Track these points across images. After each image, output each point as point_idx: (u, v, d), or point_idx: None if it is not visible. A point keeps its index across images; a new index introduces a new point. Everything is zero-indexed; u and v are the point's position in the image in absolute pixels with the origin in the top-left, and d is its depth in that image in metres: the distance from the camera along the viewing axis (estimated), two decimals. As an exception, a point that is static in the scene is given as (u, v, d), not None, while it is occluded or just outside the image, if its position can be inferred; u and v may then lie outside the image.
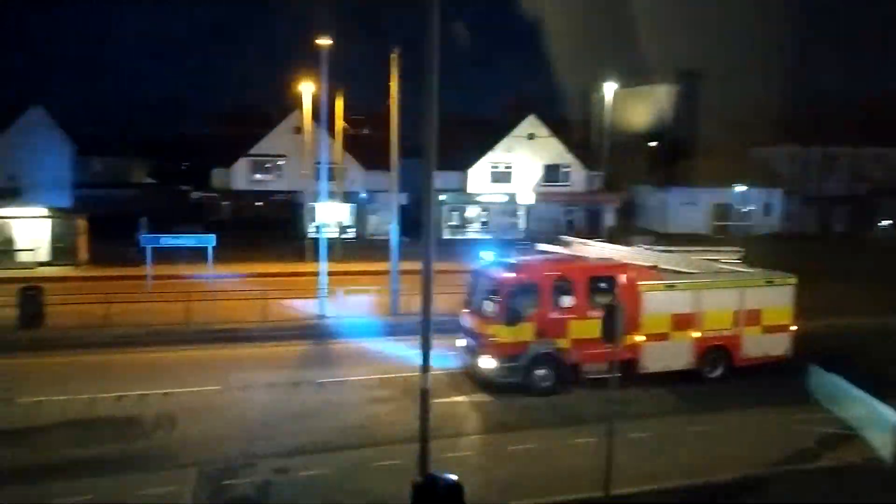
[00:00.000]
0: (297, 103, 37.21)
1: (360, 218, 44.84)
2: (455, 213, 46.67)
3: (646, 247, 19.56)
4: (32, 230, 29.89)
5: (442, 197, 44.49)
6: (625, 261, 17.33)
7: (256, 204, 44.77)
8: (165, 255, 27.03)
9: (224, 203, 45.43)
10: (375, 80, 32.13)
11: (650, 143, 51.72)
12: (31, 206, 30.76)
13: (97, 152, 54.72)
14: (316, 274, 22.77)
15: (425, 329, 11.47)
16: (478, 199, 46.46)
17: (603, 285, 15.89)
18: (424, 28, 9.66)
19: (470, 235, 45.02)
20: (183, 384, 16.01)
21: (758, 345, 16.88)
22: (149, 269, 25.58)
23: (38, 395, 15.04)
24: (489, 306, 15.91)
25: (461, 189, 45.84)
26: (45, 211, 30.49)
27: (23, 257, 29.19)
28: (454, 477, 8.99)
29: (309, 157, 36.87)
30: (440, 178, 42.81)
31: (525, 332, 15.39)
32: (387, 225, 35.28)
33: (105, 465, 11.90)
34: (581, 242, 18.58)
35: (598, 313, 15.48)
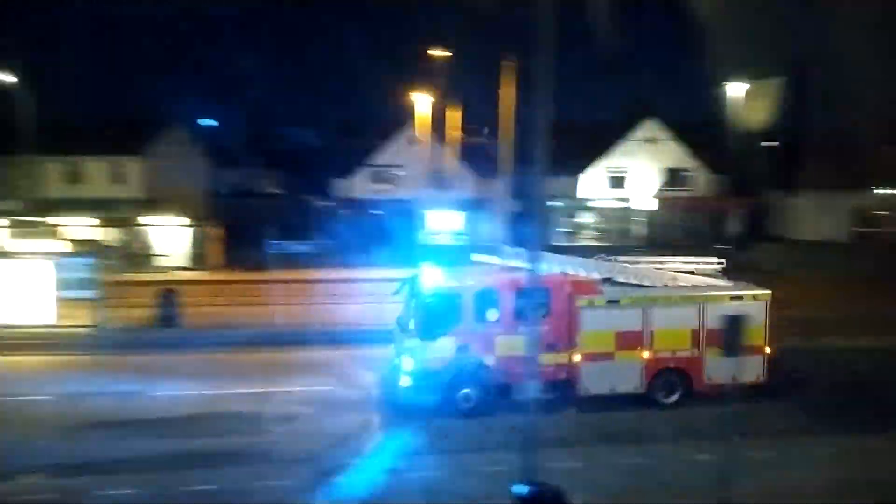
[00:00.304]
0: (412, 114, 38.29)
1: (472, 224, 45.22)
2: (567, 220, 46.02)
3: (606, 257, 17.92)
4: (172, 237, 32.44)
5: (555, 203, 44.03)
6: (562, 273, 15.78)
7: (373, 212, 46.25)
8: (290, 261, 28.58)
9: (344, 212, 47.30)
10: (493, 89, 32.49)
11: (775, 144, 48.56)
12: (171, 216, 33.42)
13: (231, 165, 58.60)
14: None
15: (534, 338, 11.34)
16: (591, 204, 45.56)
17: (533, 299, 14.96)
18: (537, 36, 9.65)
19: (583, 242, 44.18)
20: (302, 383, 16.80)
21: (723, 368, 14.33)
22: (274, 274, 27.07)
23: (173, 389, 16.32)
24: (409, 319, 15.03)
25: (573, 195, 45.14)
26: (183, 220, 33.03)
27: (162, 262, 31.76)
28: (557, 486, 8.86)
29: (424, 167, 37.80)
30: (552, 185, 42.44)
31: (445, 347, 14.37)
32: (499, 232, 35.55)
33: (230, 456, 12.68)
34: (518, 252, 16.44)
35: (531, 328, 14.59)
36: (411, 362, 14.43)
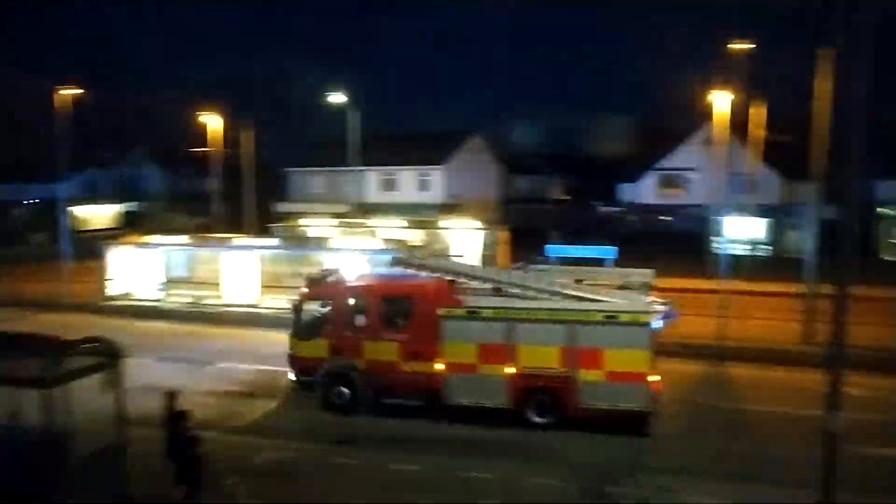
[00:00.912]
0: (708, 114, 35.86)
1: (776, 233, 40.87)
2: (902, 230, 38.95)
3: (520, 266, 17.47)
4: (466, 240, 34.90)
5: (885, 210, 37.65)
6: (436, 281, 15.42)
7: (662, 218, 44.45)
8: (573, 265, 28.66)
9: (631, 217, 46.32)
10: (802, 83, 29.00)
11: None
12: (466, 219, 36.00)
13: (522, 172, 61.32)
14: (718, 292, 21.53)
15: (835, 363, 9.76)
16: (936, 212, 37.96)
17: (398, 307, 15.04)
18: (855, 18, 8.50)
19: (923, 257, 36.97)
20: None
21: (600, 393, 13.67)
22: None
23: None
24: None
25: (912, 200, 38.06)
26: (477, 223, 35.35)
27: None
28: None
29: (720, 170, 35.10)
30: (881, 189, 36.32)
31: (320, 348, 15.22)
32: (808, 242, 31.42)
33: (501, 448, 13.37)
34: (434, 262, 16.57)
35: (395, 335, 14.78)
36: (292, 359, 15.66)
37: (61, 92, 27.79)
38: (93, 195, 54.52)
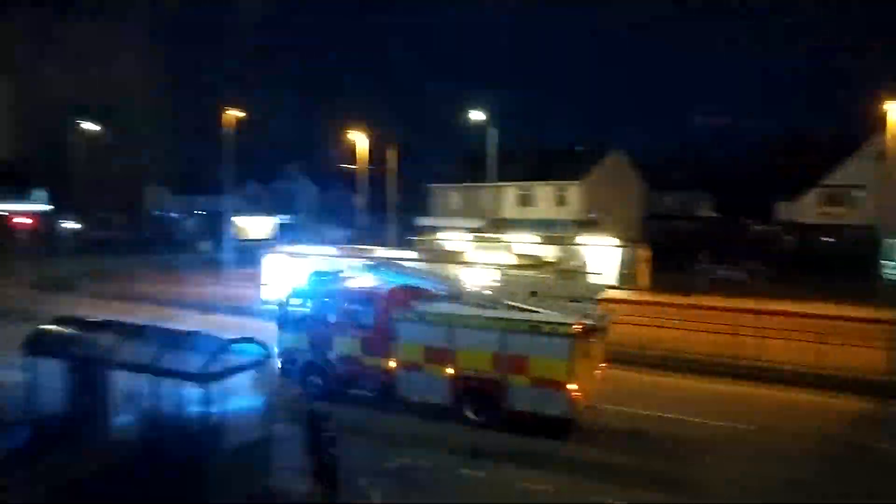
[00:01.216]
0: (880, 125, 32.70)
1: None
2: None
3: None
4: (604, 257, 34.04)
5: None
6: (401, 287, 17.15)
7: (824, 239, 40.99)
8: (720, 286, 27.33)
9: (787, 237, 43.15)
10: None
11: None
12: (604, 236, 35.14)
13: (666, 188, 58.96)
14: (887, 322, 19.50)
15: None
16: None
17: (362, 308, 16.57)
18: None
19: None
20: (708, 416, 16.13)
21: (527, 397, 14.72)
22: (697, 299, 26.18)
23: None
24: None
25: None
26: (615, 240, 34.39)
27: (592, 280, 33.51)
28: None
29: (893, 187, 31.87)
30: None
31: (300, 340, 17.01)
32: None
33: (620, 473, 13.01)
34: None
35: (358, 333, 16.45)
36: (277, 350, 16.98)
37: (227, 113, 30.59)
38: (253, 207, 59.21)
